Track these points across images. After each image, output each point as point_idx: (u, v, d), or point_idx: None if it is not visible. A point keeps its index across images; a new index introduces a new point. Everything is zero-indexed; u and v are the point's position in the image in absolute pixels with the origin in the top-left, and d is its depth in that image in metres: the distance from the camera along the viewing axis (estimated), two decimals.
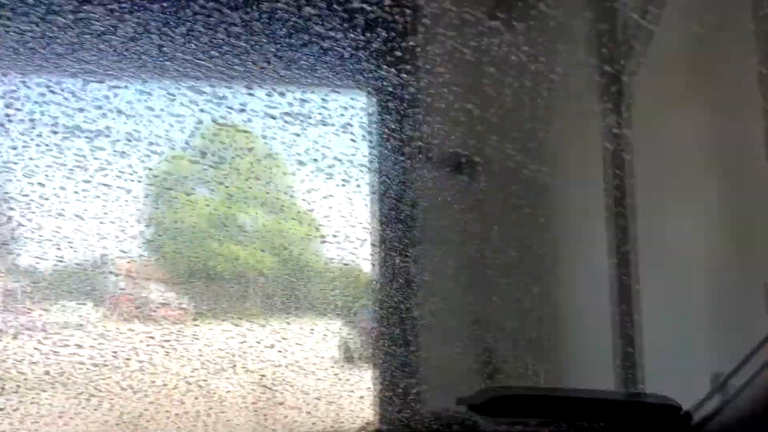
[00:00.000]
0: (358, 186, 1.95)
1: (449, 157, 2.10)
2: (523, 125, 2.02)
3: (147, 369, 1.77)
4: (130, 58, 1.64)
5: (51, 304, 1.85)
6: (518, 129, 2.02)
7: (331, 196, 1.92)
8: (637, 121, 1.98)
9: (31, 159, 1.63)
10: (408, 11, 1.81)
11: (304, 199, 2.00)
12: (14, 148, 1.62)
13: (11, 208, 1.69)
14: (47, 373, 1.73)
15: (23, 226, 1.70)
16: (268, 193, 2.04)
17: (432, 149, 2.05)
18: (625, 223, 2.02)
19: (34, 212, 1.68)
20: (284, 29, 1.75)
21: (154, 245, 1.97)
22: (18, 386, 1.74)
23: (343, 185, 1.92)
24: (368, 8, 1.74)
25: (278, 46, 1.80)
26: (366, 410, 1.83)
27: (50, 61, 1.59)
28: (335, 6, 1.72)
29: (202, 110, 1.78)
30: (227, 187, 2.02)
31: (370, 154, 1.99)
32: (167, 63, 1.67)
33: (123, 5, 1.54)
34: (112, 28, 1.57)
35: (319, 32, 1.76)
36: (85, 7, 1.50)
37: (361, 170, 1.96)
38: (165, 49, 1.66)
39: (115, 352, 1.80)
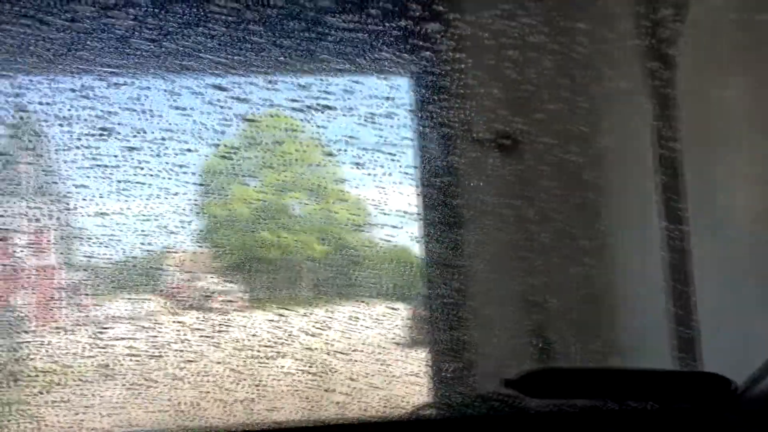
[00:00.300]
0: (404, 170, 1.95)
1: (494, 137, 2.07)
2: (568, 102, 1.98)
3: (199, 359, 1.82)
4: (154, 59, 1.67)
5: (105, 299, 1.91)
6: (562, 105, 1.98)
7: (376, 180, 1.92)
8: (683, 89, 1.91)
9: (72, 161, 1.70)
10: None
11: (350, 186, 2.02)
12: (56, 150, 1.68)
13: (58, 209, 1.75)
14: (104, 365, 1.80)
15: (71, 225, 1.77)
16: (314, 180, 2.06)
17: (476, 129, 2.03)
18: (676, 199, 1.95)
19: (78, 213, 1.74)
20: (323, 18, 1.77)
21: (205, 237, 2.02)
22: (77, 378, 1.81)
23: (389, 170, 1.92)
24: None
25: (321, 32, 1.80)
26: (415, 396, 1.84)
27: (80, 65, 1.64)
28: None
29: (245, 100, 1.81)
30: (275, 176, 2.05)
31: (414, 137, 1.99)
32: (191, 62, 1.70)
33: (144, 9, 1.58)
34: (135, 32, 1.61)
35: (359, 18, 1.77)
36: (108, 13, 1.55)
37: (405, 154, 1.96)
38: (188, 48, 1.69)
39: (168, 343, 1.85)
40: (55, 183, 1.74)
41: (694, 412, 1.34)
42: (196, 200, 1.87)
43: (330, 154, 2.00)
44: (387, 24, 1.80)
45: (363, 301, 1.99)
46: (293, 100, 1.85)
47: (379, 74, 1.92)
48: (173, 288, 2.01)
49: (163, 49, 1.67)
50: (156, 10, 1.60)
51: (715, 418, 1.32)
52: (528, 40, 1.89)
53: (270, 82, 1.83)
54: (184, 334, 1.85)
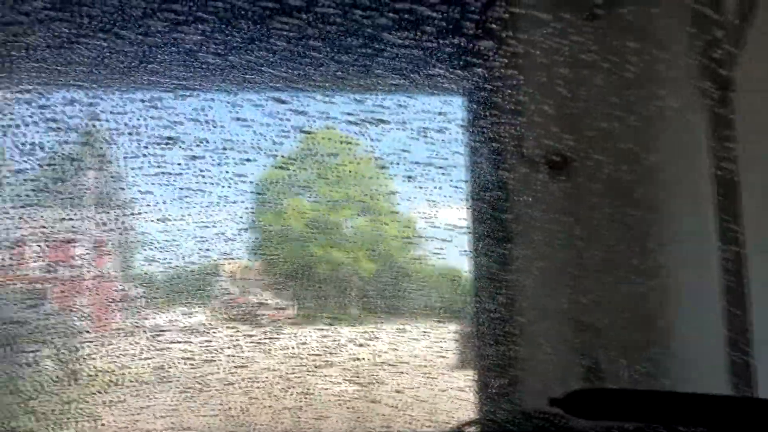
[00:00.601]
0: (454, 188, 1.97)
1: (545, 154, 2.07)
2: (620, 120, 1.97)
3: (249, 366, 1.86)
4: (219, 72, 1.74)
5: (162, 306, 1.97)
6: (615, 123, 1.97)
7: (426, 198, 1.94)
8: (740, 107, 1.88)
9: (139, 168, 1.77)
10: (499, 11, 1.82)
11: (400, 203, 2.05)
12: (124, 158, 1.75)
13: (123, 215, 1.82)
14: (160, 367, 1.85)
15: (133, 230, 1.84)
16: (366, 196, 2.09)
17: (527, 146, 2.03)
18: (733, 219, 1.92)
19: (142, 218, 1.81)
20: (379, 36, 1.81)
21: (258, 249, 2.07)
22: (133, 380, 1.86)
23: (439, 187, 1.94)
24: (458, 10, 1.76)
25: (377, 48, 1.84)
26: (459, 410, 1.84)
27: (148, 78, 1.71)
28: (423, 10, 1.75)
29: (301, 116, 1.86)
30: (327, 191, 2.09)
31: (465, 152, 2.00)
32: (254, 75, 1.76)
33: (211, 25, 1.64)
34: (203, 46, 1.67)
35: (414, 37, 1.81)
36: (178, 28, 1.61)
37: (455, 172, 1.97)
38: (252, 62, 1.75)
39: (220, 349, 1.89)
40: (122, 189, 1.82)
41: None
42: (252, 210, 1.92)
43: (382, 167, 2.03)
44: (441, 41, 1.83)
45: (410, 317, 2.00)
46: (348, 114, 1.89)
47: (433, 90, 1.95)
48: (227, 295, 2.06)
49: (227, 62, 1.73)
50: (222, 26, 1.67)
51: None
52: (580, 58, 1.90)
53: (327, 96, 1.88)
54: (236, 340, 1.90)
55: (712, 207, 1.94)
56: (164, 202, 1.79)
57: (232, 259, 1.97)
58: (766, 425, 1.28)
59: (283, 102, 1.80)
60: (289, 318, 2.05)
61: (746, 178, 1.87)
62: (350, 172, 2.03)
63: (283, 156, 1.92)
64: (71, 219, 1.80)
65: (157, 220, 1.77)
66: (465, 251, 2.04)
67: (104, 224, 1.84)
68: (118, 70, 1.63)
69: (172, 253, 1.83)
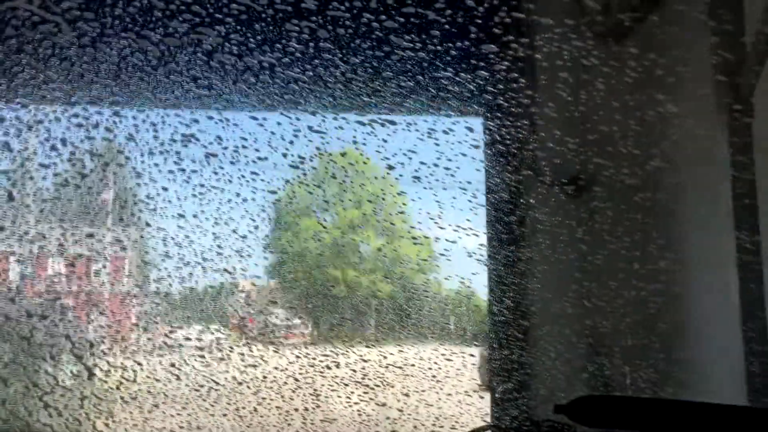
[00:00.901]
0: (472, 209, 1.99)
1: (563, 176, 2.08)
2: (637, 139, 1.98)
3: (259, 365, 1.88)
4: (250, 92, 1.79)
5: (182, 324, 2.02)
6: (633, 143, 1.98)
7: (444, 219, 1.96)
8: (759, 129, 1.88)
9: (166, 189, 1.82)
10: (520, 34, 1.85)
11: (418, 223, 2.06)
12: (154, 180, 1.82)
13: (152, 235, 1.88)
14: (172, 365, 1.89)
15: (156, 250, 1.90)
16: (384, 219, 2.12)
17: (545, 169, 2.04)
18: (751, 235, 1.90)
19: (169, 239, 1.86)
20: (398, 61, 1.83)
21: (278, 269, 2.10)
22: (146, 376, 1.90)
23: (458, 208, 1.96)
24: (477, 33, 1.80)
25: (392, 75, 1.87)
26: (465, 415, 1.84)
27: (187, 99, 1.80)
28: (445, 35, 1.79)
29: (321, 137, 1.89)
30: (345, 212, 2.11)
31: (484, 176, 2.02)
32: (283, 95, 1.81)
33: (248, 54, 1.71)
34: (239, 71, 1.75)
35: (435, 58, 1.83)
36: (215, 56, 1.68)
37: (474, 193, 2.00)
38: (279, 83, 1.80)
39: (231, 348, 1.93)
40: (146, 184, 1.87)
41: None
42: (269, 233, 1.97)
43: (400, 194, 2.06)
44: (462, 65, 1.85)
45: (425, 336, 2.00)
46: (369, 138, 1.91)
47: (451, 113, 1.97)
48: (246, 316, 2.07)
49: (249, 86, 1.80)
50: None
51: None
52: (598, 83, 1.91)
53: (345, 119, 1.90)
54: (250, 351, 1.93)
55: (731, 224, 1.93)
56: (188, 221, 1.84)
57: (255, 280, 2.00)
58: None
59: (300, 121, 1.86)
60: (307, 340, 2.07)
61: (763, 186, 1.86)
62: (371, 196, 2.06)
63: (302, 177, 1.97)
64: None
65: (183, 240, 1.82)
66: (483, 273, 2.04)
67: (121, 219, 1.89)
68: (139, 67, 1.69)
69: (194, 275, 1.87)
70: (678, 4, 1.97)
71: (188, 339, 1.93)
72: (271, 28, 1.67)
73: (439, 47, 1.80)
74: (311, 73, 1.82)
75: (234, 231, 1.89)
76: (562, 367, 1.92)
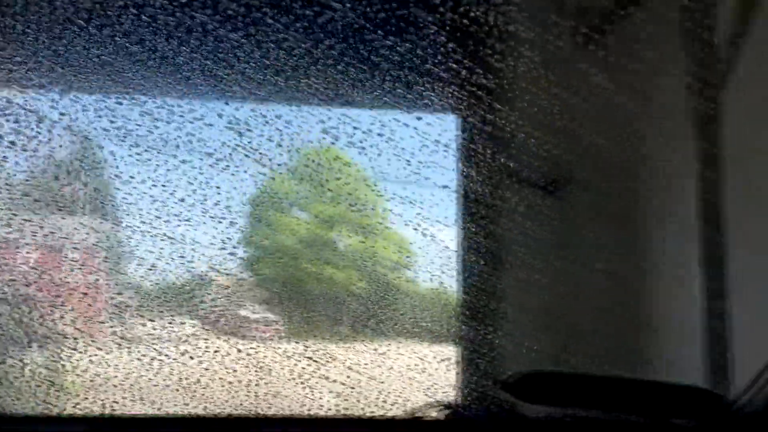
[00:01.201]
0: (447, 209, 1.99)
1: (537, 175, 2.08)
2: (612, 144, 2.00)
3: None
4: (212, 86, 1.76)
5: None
6: (607, 148, 1.99)
7: (420, 218, 1.95)
8: (727, 134, 1.88)
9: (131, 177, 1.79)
10: (494, 34, 1.86)
11: (393, 222, 2.04)
12: (124, 170, 1.78)
13: (120, 224, 1.84)
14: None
15: (127, 243, 1.85)
16: (360, 215, 2.09)
17: (520, 170, 2.05)
18: (717, 237, 1.90)
19: (138, 230, 1.82)
20: (377, 55, 1.83)
21: (251, 264, 2.07)
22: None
23: (433, 207, 1.95)
24: (454, 32, 1.81)
25: (369, 71, 1.86)
26: (413, 393, 1.82)
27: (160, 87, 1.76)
28: (422, 31, 1.80)
29: (297, 132, 1.88)
30: (321, 208, 2.09)
31: (459, 174, 2.02)
32: (265, 87, 1.79)
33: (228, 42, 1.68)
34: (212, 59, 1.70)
35: (409, 58, 1.84)
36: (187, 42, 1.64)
37: (449, 193, 2.00)
38: (260, 73, 1.77)
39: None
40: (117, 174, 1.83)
41: (686, 427, 1.29)
42: (243, 227, 1.93)
43: (376, 191, 2.03)
44: (436, 61, 1.85)
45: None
46: (345, 134, 1.91)
47: (428, 110, 1.95)
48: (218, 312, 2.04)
49: (223, 75, 1.76)
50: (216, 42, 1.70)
51: None
52: (573, 84, 1.93)
53: (323, 114, 1.89)
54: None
55: (697, 227, 1.93)
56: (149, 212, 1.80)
57: (228, 275, 1.96)
58: (703, 413, 1.26)
59: (279, 117, 1.83)
60: (279, 336, 2.04)
61: (729, 181, 1.86)
62: (347, 193, 2.03)
63: (279, 172, 1.93)
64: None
65: (155, 234, 1.78)
66: (457, 272, 2.02)
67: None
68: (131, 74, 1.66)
69: (166, 268, 1.83)
70: (651, 5, 2.00)
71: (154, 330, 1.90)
72: (243, 17, 1.64)
73: (416, 44, 1.81)
74: (286, 66, 1.80)
75: (208, 224, 1.86)
76: (529, 356, 1.91)
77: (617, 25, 1.99)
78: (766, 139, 1.74)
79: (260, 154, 1.85)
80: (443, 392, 1.87)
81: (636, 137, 2.01)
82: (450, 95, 1.92)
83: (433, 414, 1.77)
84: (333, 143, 1.93)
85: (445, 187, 1.98)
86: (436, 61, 1.83)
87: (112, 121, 1.79)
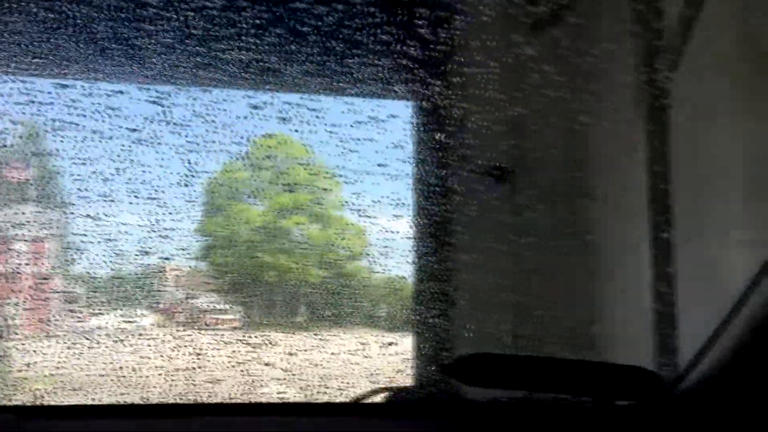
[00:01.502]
0: (401, 197, 1.98)
1: (490, 164, 2.07)
2: (563, 133, 2.02)
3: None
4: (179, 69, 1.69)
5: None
6: (557, 137, 2.02)
7: (375, 207, 1.94)
8: (676, 125, 1.89)
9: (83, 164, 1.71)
10: (449, 23, 1.86)
11: (349, 211, 2.02)
12: (76, 156, 1.70)
13: (70, 213, 1.75)
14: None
15: (79, 233, 1.76)
16: (315, 204, 2.06)
17: (472, 158, 2.05)
18: (663, 224, 1.92)
19: (90, 219, 1.74)
20: (331, 41, 1.81)
21: (207, 254, 2.01)
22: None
23: (387, 197, 1.94)
24: (411, 20, 1.79)
25: (325, 57, 1.84)
26: (356, 379, 1.79)
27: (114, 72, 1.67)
28: (378, 17, 1.78)
29: (252, 120, 1.84)
30: (277, 198, 2.04)
31: (413, 164, 2.01)
32: (217, 73, 1.72)
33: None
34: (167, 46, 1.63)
35: (364, 43, 1.82)
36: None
37: (404, 181, 1.99)
38: (212, 59, 1.71)
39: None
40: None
41: (627, 407, 1.29)
42: (199, 216, 1.86)
43: (330, 180, 2.01)
44: (392, 51, 1.83)
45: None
46: (297, 120, 1.87)
47: (383, 99, 1.96)
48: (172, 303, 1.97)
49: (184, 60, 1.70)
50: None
51: (645, 412, 1.26)
52: (528, 73, 1.92)
53: (276, 102, 1.85)
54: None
55: (646, 217, 1.94)
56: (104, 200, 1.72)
57: (183, 265, 1.90)
58: (640, 392, 1.26)
59: (234, 102, 1.79)
60: (235, 326, 1.99)
61: (675, 169, 1.87)
62: (302, 182, 2.00)
63: (233, 160, 1.87)
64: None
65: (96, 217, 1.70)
66: (411, 261, 2.01)
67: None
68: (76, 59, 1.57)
69: (119, 258, 1.76)
70: None
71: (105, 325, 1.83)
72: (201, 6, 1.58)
73: (369, 31, 1.79)
74: (243, 53, 1.75)
75: (162, 213, 1.80)
76: (476, 340, 1.89)
77: (568, 12, 2.00)
78: (712, 126, 1.74)
79: (215, 143, 1.81)
80: (387, 377, 1.84)
81: (584, 125, 2.02)
82: (403, 84, 1.92)
83: (377, 399, 1.75)
84: (288, 131, 1.91)
85: (397, 176, 1.97)
86: (389, 49, 1.82)
87: (58, 107, 1.72)
